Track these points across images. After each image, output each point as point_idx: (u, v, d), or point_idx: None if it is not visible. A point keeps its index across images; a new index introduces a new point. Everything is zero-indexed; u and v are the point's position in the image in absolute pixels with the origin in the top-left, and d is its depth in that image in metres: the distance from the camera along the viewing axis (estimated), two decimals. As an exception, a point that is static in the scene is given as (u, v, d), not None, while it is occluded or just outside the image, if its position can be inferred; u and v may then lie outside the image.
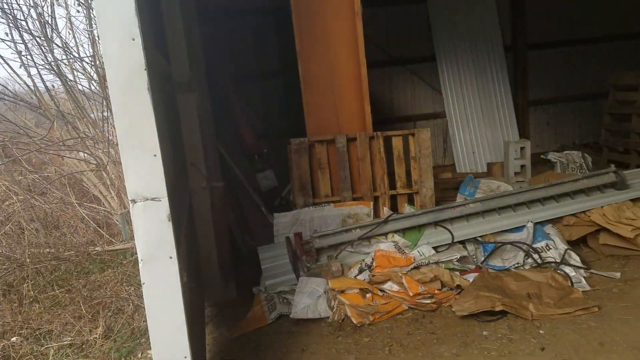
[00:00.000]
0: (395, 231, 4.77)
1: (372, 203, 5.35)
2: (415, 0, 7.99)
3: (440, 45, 8.00)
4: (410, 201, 5.59)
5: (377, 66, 7.97)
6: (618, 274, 4.04)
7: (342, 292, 3.96)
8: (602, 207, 4.61)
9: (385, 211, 5.29)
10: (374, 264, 4.36)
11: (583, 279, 3.97)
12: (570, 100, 8.49)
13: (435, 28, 8.00)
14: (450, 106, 8.09)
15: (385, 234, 4.79)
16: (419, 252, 4.50)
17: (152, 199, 2.31)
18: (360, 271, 4.36)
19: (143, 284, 2.35)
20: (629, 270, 4.11)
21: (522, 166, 6.40)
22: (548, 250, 4.34)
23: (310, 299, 4.00)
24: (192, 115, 3.86)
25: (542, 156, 7.42)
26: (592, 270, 4.14)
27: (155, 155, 2.29)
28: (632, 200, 4.70)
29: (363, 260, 4.48)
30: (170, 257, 2.34)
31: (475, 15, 8.01)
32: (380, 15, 7.94)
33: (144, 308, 2.37)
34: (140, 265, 2.34)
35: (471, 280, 4.02)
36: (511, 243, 4.46)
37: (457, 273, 4.21)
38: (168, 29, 3.83)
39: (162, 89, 3.16)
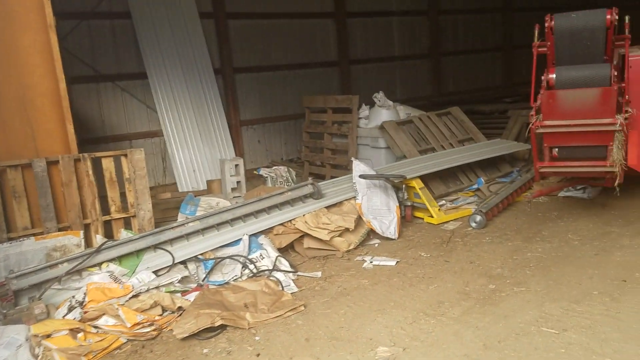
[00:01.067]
0: (111, 260, 4.48)
1: (82, 232, 4.90)
2: (119, 15, 7.71)
3: (151, 64, 7.89)
4: (128, 225, 5.33)
5: (83, 82, 7.43)
6: (319, 273, 4.62)
7: (49, 336, 3.50)
8: (304, 215, 5.20)
9: (99, 239, 4.91)
10: (86, 299, 4.00)
11: (292, 282, 4.41)
12: (276, 121, 9.42)
13: (144, 46, 7.85)
14: (167, 125, 8.04)
15: (99, 265, 4.44)
16: (137, 279, 4.31)
17: None
18: (70, 309, 3.95)
19: None
20: (327, 269, 4.74)
21: (238, 182, 6.77)
22: (262, 259, 4.68)
23: (8, 350, 3.44)
24: None
25: (254, 172, 8.03)
26: (299, 273, 4.63)
27: None
28: (327, 207, 5.44)
29: (73, 296, 4.06)
30: None
31: (183, 38, 8.17)
32: (83, 29, 7.39)
33: None
34: None
35: (193, 299, 4.04)
36: (229, 257, 4.66)
37: (179, 295, 4.19)
38: None
39: None
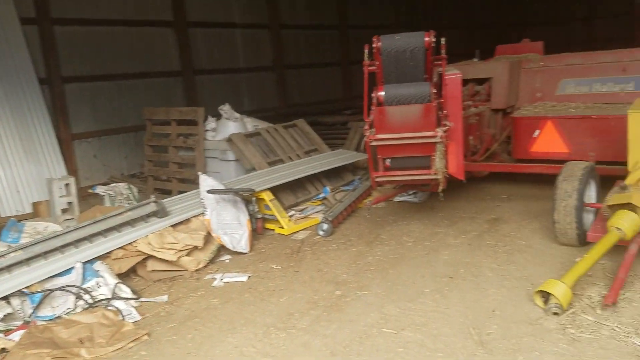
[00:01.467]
0: None
1: None
2: None
3: (-40, 72, 6.87)
4: None
5: None
6: (165, 297, 4.39)
7: None
8: (147, 236, 4.90)
9: None
10: None
11: (134, 310, 4.12)
12: (114, 133, 8.80)
13: (-49, 51, 6.82)
14: (-19, 141, 7.04)
15: None
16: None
17: None
18: None
19: None
20: (174, 291, 4.53)
21: (70, 203, 6.18)
22: (99, 287, 4.31)
23: None
24: None
25: (90, 190, 7.38)
26: (142, 299, 4.35)
27: None
28: (174, 225, 5.21)
29: None
30: None
31: (0, 46, 7.24)
32: None
33: None
34: None
35: (18, 339, 3.59)
36: (59, 288, 4.21)
37: (1, 335, 3.72)
38: None
39: None
